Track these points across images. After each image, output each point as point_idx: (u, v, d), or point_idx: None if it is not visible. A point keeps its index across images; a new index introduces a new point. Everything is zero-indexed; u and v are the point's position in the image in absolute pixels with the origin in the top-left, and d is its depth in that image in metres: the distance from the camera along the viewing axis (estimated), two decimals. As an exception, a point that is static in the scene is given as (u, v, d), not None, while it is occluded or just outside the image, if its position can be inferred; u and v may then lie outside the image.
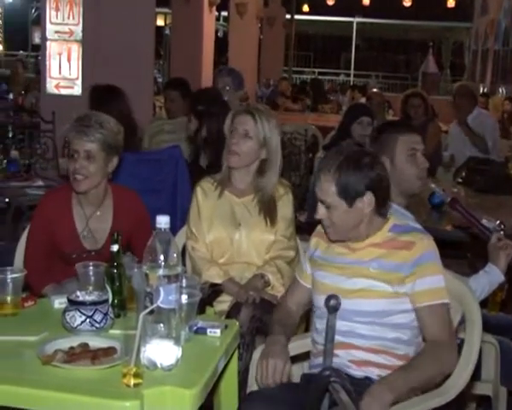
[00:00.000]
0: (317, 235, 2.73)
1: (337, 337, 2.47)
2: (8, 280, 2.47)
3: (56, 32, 6.77)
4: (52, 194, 3.33)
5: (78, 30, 6.75)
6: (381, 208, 2.54)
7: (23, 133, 6.85)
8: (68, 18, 6.75)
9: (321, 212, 2.54)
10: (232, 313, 3.03)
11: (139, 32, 6.93)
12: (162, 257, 2.10)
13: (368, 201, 2.49)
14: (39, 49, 20.55)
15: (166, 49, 15.92)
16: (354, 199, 2.48)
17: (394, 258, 2.49)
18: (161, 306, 2.07)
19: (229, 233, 3.28)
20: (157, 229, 2.13)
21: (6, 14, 22.96)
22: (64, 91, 6.82)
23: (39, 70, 10.61)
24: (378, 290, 2.48)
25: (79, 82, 6.79)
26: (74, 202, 3.13)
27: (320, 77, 23.16)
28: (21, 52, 22.26)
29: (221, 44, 15.02)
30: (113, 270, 2.52)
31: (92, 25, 6.76)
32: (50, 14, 6.77)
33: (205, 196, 3.33)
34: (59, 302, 2.59)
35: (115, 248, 2.52)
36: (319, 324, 2.58)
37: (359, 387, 2.32)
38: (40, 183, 4.59)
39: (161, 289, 2.08)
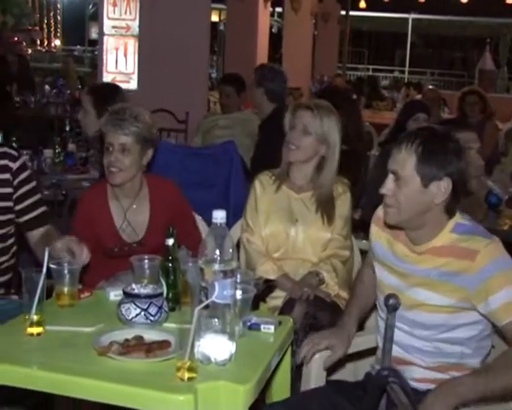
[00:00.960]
0: (377, 223, 2.61)
1: (397, 350, 2.42)
2: (66, 271, 2.50)
3: (113, 27, 6.85)
4: (88, 192, 3.31)
5: (135, 25, 6.81)
6: (452, 203, 2.36)
7: (79, 127, 6.94)
8: (125, 13, 6.82)
9: (388, 186, 2.36)
10: (285, 309, 3.02)
11: (194, 28, 6.97)
12: (218, 252, 2.09)
13: (444, 188, 2.31)
14: (95, 44, 20.84)
15: (220, 44, 15.97)
16: (431, 180, 2.30)
17: (456, 268, 2.33)
18: (216, 301, 2.06)
19: (286, 228, 3.27)
20: (213, 224, 2.13)
21: (64, 9, 23.27)
22: (120, 85, 6.87)
23: (95, 65, 10.79)
24: (438, 304, 2.36)
25: (135, 76, 6.85)
26: (110, 197, 3.15)
27: (374, 74, 22.99)
28: (78, 47, 22.57)
29: (275, 40, 14.98)
30: (168, 264, 2.53)
31: (148, 20, 6.82)
32: (108, 10, 6.85)
33: (263, 189, 3.33)
34: (114, 294, 2.61)
35: (170, 242, 2.53)
36: (381, 322, 2.53)
37: (420, 396, 2.26)
38: (96, 176, 4.63)
39: (216, 284, 2.07)
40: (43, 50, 19.72)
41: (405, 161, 2.32)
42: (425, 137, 2.34)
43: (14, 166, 2.98)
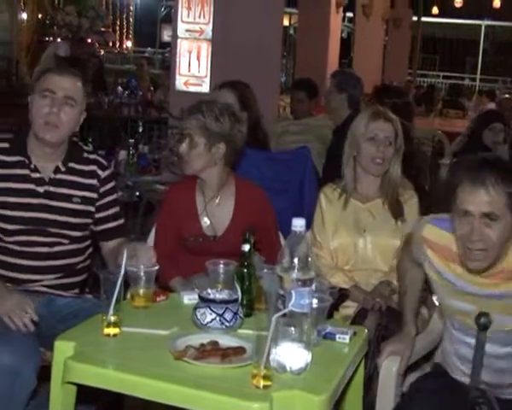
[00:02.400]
0: (433, 248, 2.51)
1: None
2: (142, 274, 2.52)
3: (187, 30, 6.90)
4: (178, 184, 3.39)
5: (209, 29, 6.85)
6: None
7: (152, 129, 7.03)
8: (199, 17, 6.86)
9: (482, 232, 2.25)
10: (357, 319, 2.98)
11: (267, 32, 6.97)
12: (296, 260, 2.08)
13: None
14: (167, 46, 21.07)
15: (290, 48, 15.96)
16: None
17: None
18: (294, 309, 2.05)
19: (354, 240, 3.24)
20: (292, 231, 2.12)
21: (136, 11, 23.64)
22: (192, 89, 6.93)
23: (167, 67, 10.91)
24: None
25: (207, 80, 6.88)
26: (197, 188, 3.18)
27: (444, 81, 22.66)
28: (149, 49, 22.87)
29: (344, 45, 14.91)
30: (244, 269, 2.52)
31: (222, 24, 6.85)
32: (182, 13, 6.90)
33: (329, 202, 3.30)
34: (188, 298, 2.63)
35: (246, 247, 2.52)
36: (458, 334, 2.51)
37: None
38: (169, 178, 4.68)
39: (295, 293, 2.06)
40: (115, 52, 20.03)
41: (497, 201, 2.24)
42: (504, 172, 2.27)
43: (103, 174, 3.03)
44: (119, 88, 9.07)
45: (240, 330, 2.36)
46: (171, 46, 19.21)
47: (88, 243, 3.07)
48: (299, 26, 10.76)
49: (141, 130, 5.80)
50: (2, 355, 2.49)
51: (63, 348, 2.20)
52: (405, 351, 2.59)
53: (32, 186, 2.90)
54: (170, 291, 2.81)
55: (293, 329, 2.07)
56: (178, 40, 6.95)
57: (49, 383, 2.62)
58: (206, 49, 6.87)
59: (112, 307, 2.27)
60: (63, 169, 2.95)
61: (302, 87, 6.19)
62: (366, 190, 3.31)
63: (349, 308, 3.10)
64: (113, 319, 2.28)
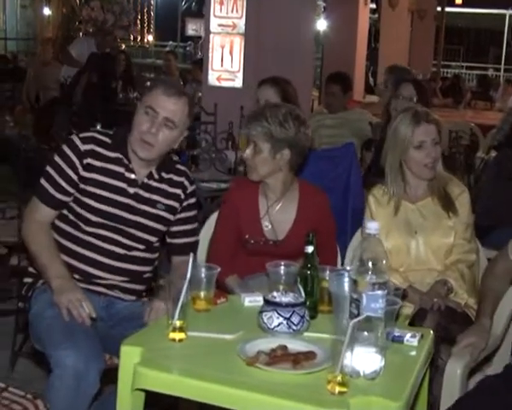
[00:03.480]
0: None
1: None
2: (203, 276, 2.49)
3: (220, 25, 6.84)
4: (241, 180, 3.36)
5: (241, 23, 6.78)
6: None
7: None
8: (232, 11, 6.80)
9: None
10: (417, 320, 2.93)
11: (300, 26, 6.91)
12: (370, 263, 2.03)
13: None
14: (188, 40, 21.02)
15: (318, 41, 15.84)
16: None
17: None
18: (369, 314, 2.00)
19: (406, 242, 3.18)
20: (365, 234, 2.07)
21: (157, 5, 23.62)
22: (225, 84, 6.88)
23: (196, 61, 10.86)
24: None
25: (240, 75, 6.82)
26: (260, 190, 3.16)
27: (468, 71, 22.46)
28: (170, 42, 22.85)
29: (369, 37, 14.79)
30: (307, 271, 2.48)
31: (255, 18, 6.78)
32: (215, 8, 6.84)
33: (378, 204, 3.24)
34: (249, 300, 2.59)
35: (310, 249, 2.48)
36: None
37: None
38: (205, 176, 4.63)
39: (368, 296, 2.02)
40: (137, 46, 20.05)
41: None
42: None
43: (189, 188, 3.03)
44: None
45: (305, 334, 2.32)
46: (193, 40, 19.16)
47: (157, 255, 3.06)
48: (326, 19, 10.69)
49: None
50: (67, 358, 2.48)
51: (130, 354, 2.18)
52: (480, 342, 2.62)
53: (124, 185, 2.89)
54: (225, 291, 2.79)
55: (366, 333, 2.03)
56: (211, 35, 6.88)
57: (106, 386, 2.64)
58: (238, 43, 6.80)
59: (177, 311, 2.23)
60: (156, 176, 2.95)
61: (337, 81, 6.14)
62: (415, 190, 3.25)
63: (406, 308, 3.05)
64: (178, 323, 2.24)
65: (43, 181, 2.90)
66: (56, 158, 2.90)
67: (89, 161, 2.86)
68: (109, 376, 2.65)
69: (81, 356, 2.50)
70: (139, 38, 21.43)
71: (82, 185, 2.86)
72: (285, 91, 4.16)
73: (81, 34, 14.00)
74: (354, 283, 2.06)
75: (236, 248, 3.15)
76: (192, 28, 19.66)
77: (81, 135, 2.93)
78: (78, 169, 2.86)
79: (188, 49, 21.67)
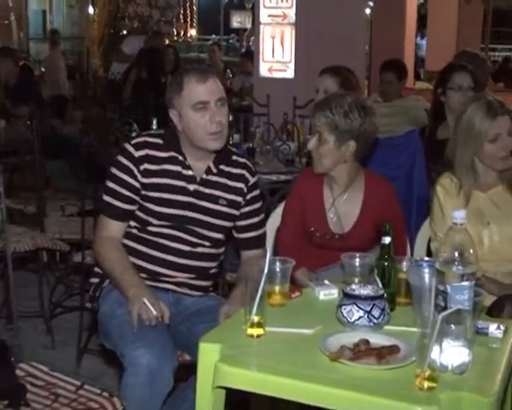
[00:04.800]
0: None
1: None
2: (278, 270, 2.44)
3: (270, 15, 6.79)
4: (307, 172, 3.30)
5: (292, 13, 6.72)
6: None
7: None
8: (282, 1, 6.74)
9: None
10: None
11: (351, 14, 6.81)
12: (457, 254, 1.96)
13: None
14: (231, 33, 20.99)
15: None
16: None
17: None
18: (459, 306, 1.93)
19: (478, 232, 3.06)
20: (452, 224, 2.00)
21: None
22: (277, 75, 6.83)
23: (243, 53, 10.83)
24: None
25: (292, 65, 6.77)
26: (325, 182, 3.10)
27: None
28: (213, 36, 22.83)
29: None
30: (384, 263, 2.42)
31: (305, 7, 6.72)
32: (264, -1, 6.80)
33: (446, 194, 3.12)
34: (324, 294, 2.54)
35: (387, 240, 2.42)
36: None
37: None
38: (263, 169, 4.57)
39: (455, 288, 1.95)
40: (180, 40, 20.05)
41: None
42: None
43: (251, 180, 2.97)
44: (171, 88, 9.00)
45: (386, 327, 2.25)
46: (237, 33, 19.10)
47: (223, 249, 3.02)
48: (375, 4, 10.53)
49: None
50: (141, 357, 2.46)
51: (209, 351, 2.14)
52: None
53: (182, 184, 2.85)
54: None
55: (453, 326, 1.97)
56: (261, 26, 6.84)
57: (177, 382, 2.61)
58: (289, 33, 6.74)
59: (255, 306, 2.19)
60: (215, 171, 2.89)
61: (391, 68, 6.04)
62: (485, 179, 3.12)
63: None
64: (256, 319, 2.20)
65: (105, 197, 2.87)
66: (114, 170, 2.87)
67: (145, 166, 2.82)
68: (180, 372, 2.64)
69: (154, 354, 2.48)
70: (182, 33, 21.48)
71: (143, 191, 2.83)
72: (345, 80, 4.09)
73: (125, 31, 14.14)
74: (441, 274, 1.99)
75: (302, 240, 3.10)
76: (237, 21, 19.54)
77: (133, 142, 2.89)
78: (137, 176, 2.82)
79: (231, 41, 21.62)
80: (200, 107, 2.75)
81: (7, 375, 2.48)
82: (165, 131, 2.92)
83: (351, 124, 2.95)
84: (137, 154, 2.82)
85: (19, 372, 2.58)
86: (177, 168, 2.85)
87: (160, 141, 2.87)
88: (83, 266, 3.89)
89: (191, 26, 23.38)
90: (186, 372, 2.73)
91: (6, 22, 16.87)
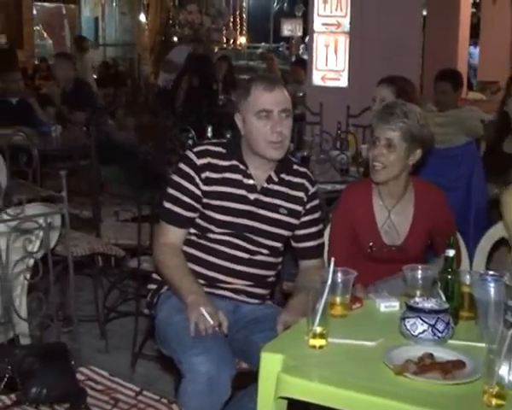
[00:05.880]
0: None
1: None
2: (339, 281, 2.42)
3: (324, 24, 6.78)
4: (352, 187, 3.29)
5: (346, 22, 6.70)
6: None
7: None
8: (336, 10, 6.72)
9: None
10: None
11: (406, 23, 6.75)
12: (527, 269, 1.93)
13: None
14: (281, 40, 20.98)
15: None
16: None
17: None
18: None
19: None
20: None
21: (250, 7, 23.74)
22: (330, 83, 6.81)
23: (294, 61, 10.81)
24: None
25: (345, 74, 6.74)
26: (374, 195, 3.05)
27: None
28: (263, 44, 22.88)
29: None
30: (448, 276, 2.38)
31: (359, 16, 6.69)
32: (318, 7, 6.78)
33: None
34: (385, 306, 2.52)
35: (451, 253, 2.38)
36: None
37: None
38: (335, 177, 4.57)
39: (526, 304, 1.91)
40: (229, 48, 20.16)
41: None
42: None
43: (311, 190, 2.96)
44: (238, 92, 9.02)
45: (450, 341, 2.22)
46: (287, 41, 19.10)
47: (281, 258, 3.01)
48: (428, 13, 10.44)
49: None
50: (200, 364, 2.46)
51: (271, 361, 2.13)
52: None
53: (243, 192, 2.85)
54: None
55: (521, 342, 1.92)
56: (315, 34, 6.83)
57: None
58: (343, 42, 6.72)
59: (318, 317, 2.17)
60: (276, 180, 2.89)
61: (447, 78, 5.97)
62: None
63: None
64: (319, 330, 2.18)
65: (166, 203, 2.88)
66: (175, 177, 2.88)
67: (207, 174, 2.83)
68: (236, 380, 2.63)
69: (213, 362, 2.48)
70: (232, 41, 21.58)
71: (204, 199, 2.84)
72: (402, 90, 4.05)
73: (176, 38, 14.25)
74: (510, 290, 1.95)
75: (354, 253, 3.06)
76: (287, 29, 19.58)
77: (195, 149, 2.90)
78: (198, 184, 2.83)
79: (280, 49, 21.65)
80: (263, 115, 2.75)
81: (68, 379, 2.51)
82: (228, 140, 2.94)
83: (422, 131, 2.92)
84: (199, 162, 2.83)
85: (79, 376, 2.61)
86: (239, 177, 2.85)
87: (222, 150, 2.88)
88: (138, 271, 3.92)
89: (241, 34, 23.49)
90: (242, 380, 2.72)
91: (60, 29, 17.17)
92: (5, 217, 2.62)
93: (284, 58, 18.93)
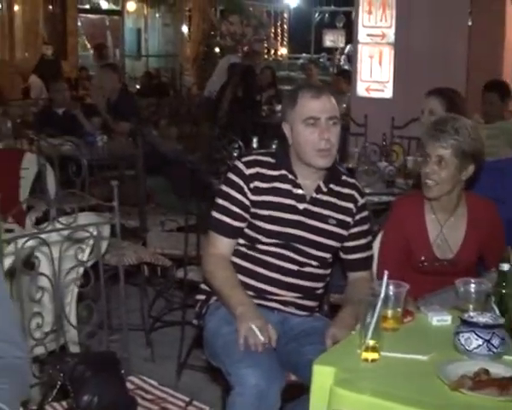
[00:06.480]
0: None
1: None
2: (391, 294, 2.40)
3: (368, 35, 6.75)
4: (404, 199, 3.26)
5: (391, 33, 6.67)
6: None
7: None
8: (381, 21, 6.70)
9: None
10: None
11: (452, 34, 6.69)
12: None
13: None
14: (322, 51, 20.99)
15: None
16: None
17: None
18: None
19: None
20: None
21: (291, 18, 23.79)
22: (374, 94, 6.78)
23: (337, 72, 10.80)
24: None
25: (390, 85, 6.70)
26: (427, 209, 3.03)
27: None
28: (304, 55, 22.91)
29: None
30: (502, 290, 2.35)
31: (405, 27, 6.65)
32: (363, 18, 6.76)
33: None
34: (437, 319, 2.49)
35: (506, 267, 2.35)
36: None
37: None
38: (369, 189, 4.54)
39: None
40: (271, 59, 20.22)
41: None
42: None
43: (360, 201, 2.96)
44: (285, 100, 9.03)
45: (505, 357, 2.18)
46: (328, 52, 19.09)
47: (330, 270, 3.00)
48: (472, 23, 10.34)
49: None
50: (249, 377, 2.45)
51: (323, 374, 2.12)
52: None
53: (292, 202, 2.85)
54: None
55: None
56: (359, 45, 6.81)
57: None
58: (388, 53, 6.69)
59: (371, 330, 2.16)
60: (325, 190, 2.89)
61: (494, 89, 5.92)
62: None
63: None
64: (371, 343, 2.17)
65: (215, 213, 2.89)
66: (224, 187, 2.89)
67: (255, 184, 2.84)
68: (284, 392, 2.62)
69: (263, 374, 2.47)
70: (273, 51, 21.64)
71: (253, 209, 2.84)
72: (451, 102, 4.02)
73: (218, 49, 14.34)
74: None
75: (405, 267, 3.03)
76: (330, 40, 19.61)
77: (244, 159, 2.91)
78: (247, 194, 2.84)
79: (321, 60, 21.66)
80: (310, 122, 2.75)
81: (118, 387, 2.52)
82: (276, 150, 2.95)
83: (475, 147, 2.90)
84: (248, 171, 2.84)
85: (129, 385, 2.63)
86: (288, 187, 2.85)
87: (270, 159, 2.88)
88: (185, 281, 3.93)
89: (282, 45, 23.54)
90: (291, 392, 2.71)
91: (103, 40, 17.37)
92: (58, 226, 2.65)
93: (324, 69, 18.94)
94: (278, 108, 8.63)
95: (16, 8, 14.45)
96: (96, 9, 18.42)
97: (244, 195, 2.84)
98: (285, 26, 23.96)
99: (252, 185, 2.83)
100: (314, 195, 2.87)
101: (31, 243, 2.56)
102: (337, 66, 18.80)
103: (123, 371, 2.60)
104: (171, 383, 3.70)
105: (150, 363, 4.18)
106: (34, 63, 12.82)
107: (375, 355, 2.17)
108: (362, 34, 6.80)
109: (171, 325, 4.52)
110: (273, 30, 22.28)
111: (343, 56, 20.07)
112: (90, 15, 18.52)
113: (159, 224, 4.95)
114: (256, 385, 2.44)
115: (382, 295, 2.18)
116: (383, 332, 2.33)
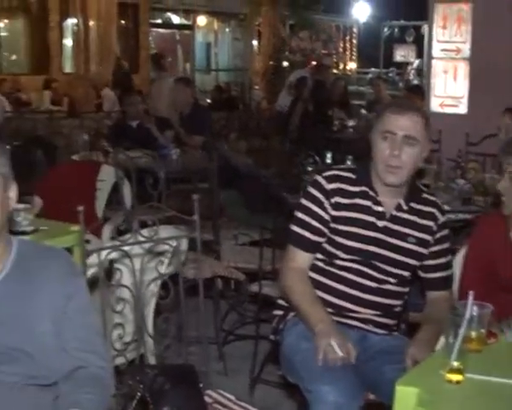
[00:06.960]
0: None
1: None
2: (475, 314, 2.35)
3: (443, 50, 6.68)
4: (486, 218, 3.20)
5: (466, 48, 6.59)
6: None
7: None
8: (455, 35, 6.62)
9: None
10: None
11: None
12: None
13: None
14: (391, 66, 20.86)
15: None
16: None
17: None
18: None
19: None
20: None
21: (361, 33, 23.76)
22: (448, 110, 6.70)
23: (409, 88, 10.70)
24: None
25: (465, 101, 6.62)
26: (510, 226, 2.96)
27: None
28: (373, 69, 22.81)
29: None
30: None
31: (481, 42, 6.56)
32: (437, 33, 6.70)
33: None
34: (517, 338, 2.43)
35: None
36: None
37: None
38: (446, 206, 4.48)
39: None
40: (339, 73, 20.21)
41: None
42: None
43: (441, 219, 2.92)
44: (362, 111, 9.02)
45: None
46: (398, 66, 18.96)
47: (408, 288, 2.96)
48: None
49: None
50: (328, 394, 2.44)
51: (406, 395, 2.08)
52: None
53: (372, 219, 2.84)
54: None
55: None
56: (433, 60, 6.75)
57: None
58: (463, 68, 6.60)
59: (455, 351, 2.11)
60: (405, 208, 2.87)
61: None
62: None
63: None
64: (456, 364, 2.12)
65: (294, 227, 2.88)
66: (304, 201, 2.89)
67: (336, 199, 2.83)
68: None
69: (342, 392, 2.45)
70: (342, 66, 21.61)
71: (332, 224, 2.83)
72: None
73: (287, 63, 14.39)
74: None
75: (490, 287, 2.96)
76: (400, 54, 19.51)
77: (325, 174, 2.90)
78: (327, 209, 2.83)
79: (390, 75, 21.54)
80: (386, 136, 2.73)
81: (197, 401, 2.52)
82: (357, 166, 2.93)
83: None
84: (329, 186, 2.83)
85: (206, 399, 2.63)
86: (368, 203, 2.83)
87: (352, 175, 2.87)
88: (259, 296, 3.93)
89: (351, 59, 23.51)
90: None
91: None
92: (140, 238, 2.69)
93: (393, 83, 18.82)
94: (350, 123, 8.61)
95: (91, 23, 14.79)
96: (168, 24, 18.74)
97: (324, 209, 2.83)
98: (354, 41, 23.94)
99: (333, 200, 2.83)
100: (394, 212, 2.85)
101: (113, 254, 2.60)
102: (406, 81, 18.64)
103: (201, 385, 2.61)
104: (244, 398, 3.72)
105: (223, 377, 4.18)
106: (108, 77, 13.08)
107: (459, 377, 2.13)
108: (436, 49, 6.74)
109: (244, 338, 4.53)
110: (342, 44, 22.29)
111: (412, 71, 19.91)
112: (161, 30, 18.84)
113: (231, 237, 4.96)
114: (334, 402, 2.43)
115: (468, 315, 2.14)
116: (467, 354, 2.29)
